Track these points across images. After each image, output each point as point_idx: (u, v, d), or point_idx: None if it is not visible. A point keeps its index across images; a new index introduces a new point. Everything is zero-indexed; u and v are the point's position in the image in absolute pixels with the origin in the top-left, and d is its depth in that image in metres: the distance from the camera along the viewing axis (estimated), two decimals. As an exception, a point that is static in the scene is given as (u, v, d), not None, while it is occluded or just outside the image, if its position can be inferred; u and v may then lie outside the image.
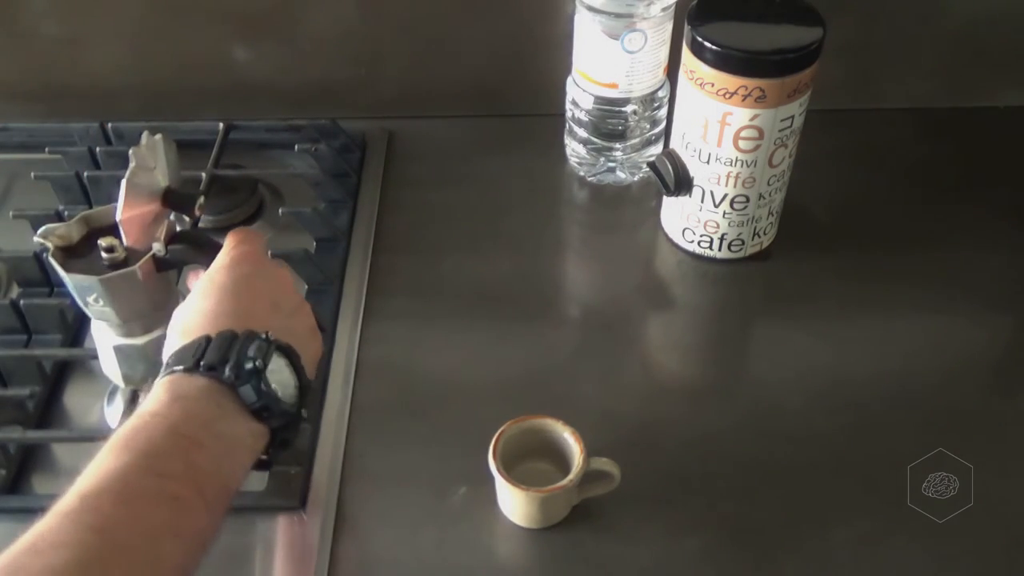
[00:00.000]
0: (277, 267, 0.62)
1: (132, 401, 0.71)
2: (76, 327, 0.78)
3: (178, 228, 0.66)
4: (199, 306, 0.56)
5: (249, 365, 0.51)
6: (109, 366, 0.68)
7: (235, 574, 0.63)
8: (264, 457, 0.54)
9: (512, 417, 0.65)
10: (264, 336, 0.53)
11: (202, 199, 0.65)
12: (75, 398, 0.74)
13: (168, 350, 0.55)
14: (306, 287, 0.80)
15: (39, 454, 0.70)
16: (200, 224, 0.67)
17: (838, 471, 0.69)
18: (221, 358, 0.51)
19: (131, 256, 0.63)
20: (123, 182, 0.60)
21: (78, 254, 0.63)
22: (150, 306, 0.64)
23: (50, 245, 0.62)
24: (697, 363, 0.79)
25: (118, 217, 0.60)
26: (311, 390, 0.56)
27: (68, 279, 0.62)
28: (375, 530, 0.65)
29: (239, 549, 0.64)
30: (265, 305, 0.58)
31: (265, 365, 0.52)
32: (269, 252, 0.78)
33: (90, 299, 0.62)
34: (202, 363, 0.51)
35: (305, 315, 0.61)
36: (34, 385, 0.72)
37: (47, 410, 0.73)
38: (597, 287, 0.86)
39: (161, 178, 0.64)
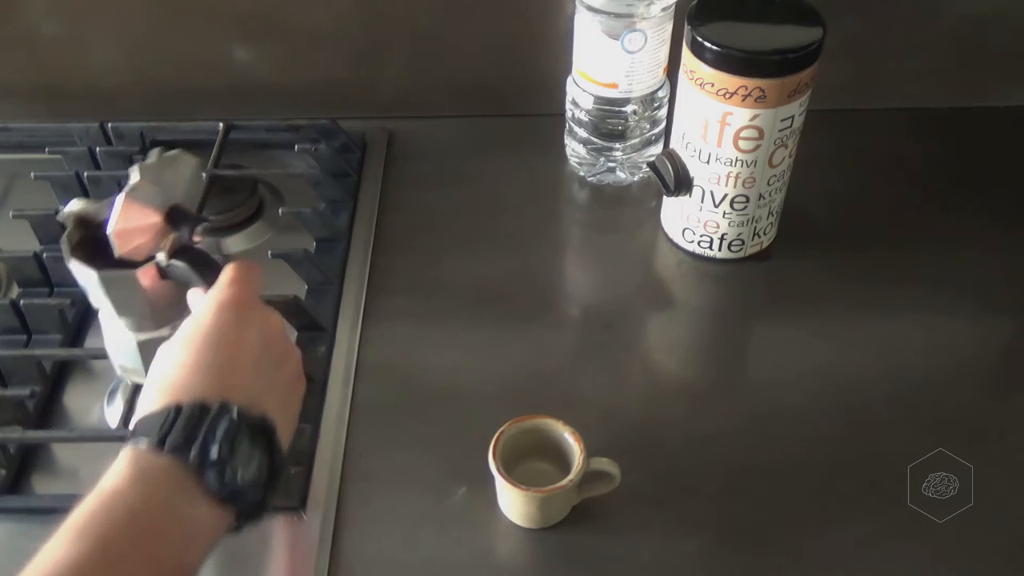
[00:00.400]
0: (266, 312, 0.59)
1: (132, 400, 0.71)
2: (76, 327, 0.78)
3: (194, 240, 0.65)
4: (178, 357, 0.54)
5: (215, 453, 0.49)
6: (112, 351, 0.67)
7: (235, 574, 0.63)
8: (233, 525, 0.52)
9: (512, 417, 0.65)
10: (236, 415, 0.50)
11: (203, 226, 0.64)
12: (75, 398, 0.74)
13: (140, 406, 0.52)
14: (306, 288, 0.80)
15: (39, 454, 0.70)
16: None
17: (838, 471, 0.69)
18: (187, 438, 0.49)
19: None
20: (120, 196, 0.59)
21: (99, 237, 0.61)
22: (150, 309, 0.64)
23: (68, 224, 0.61)
24: (697, 363, 0.79)
25: (110, 230, 0.59)
26: (285, 469, 0.54)
27: (70, 265, 0.61)
28: (375, 530, 0.65)
29: (239, 549, 0.64)
30: (247, 359, 0.55)
31: (232, 452, 0.49)
32: (279, 253, 0.78)
33: (90, 288, 0.62)
34: (167, 440, 0.49)
35: (292, 365, 0.59)
36: (34, 385, 0.72)
37: (47, 410, 0.73)
38: (597, 287, 0.86)
39: (170, 195, 0.62)
